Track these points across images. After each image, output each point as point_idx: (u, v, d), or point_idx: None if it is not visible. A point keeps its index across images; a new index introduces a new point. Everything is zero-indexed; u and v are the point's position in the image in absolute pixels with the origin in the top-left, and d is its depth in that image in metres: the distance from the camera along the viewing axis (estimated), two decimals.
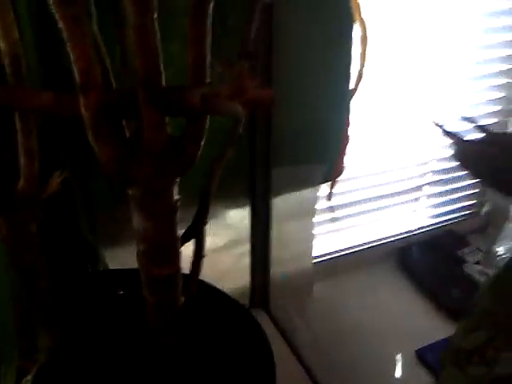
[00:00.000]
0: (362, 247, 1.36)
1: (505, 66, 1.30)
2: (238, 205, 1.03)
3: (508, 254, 1.30)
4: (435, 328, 1.19)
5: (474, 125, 0.77)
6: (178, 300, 0.55)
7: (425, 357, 1.12)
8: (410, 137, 1.27)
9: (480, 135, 0.74)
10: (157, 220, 0.47)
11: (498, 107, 1.36)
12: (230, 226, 1.03)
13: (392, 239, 1.41)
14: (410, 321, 1.22)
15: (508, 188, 0.69)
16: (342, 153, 0.77)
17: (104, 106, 0.37)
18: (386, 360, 1.12)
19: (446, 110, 1.27)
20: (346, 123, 0.74)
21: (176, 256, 0.51)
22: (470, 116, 0.79)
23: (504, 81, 1.33)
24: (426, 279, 1.33)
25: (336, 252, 1.32)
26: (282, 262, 1.11)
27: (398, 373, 1.10)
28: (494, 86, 1.33)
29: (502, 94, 1.35)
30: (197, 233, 0.73)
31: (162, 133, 0.40)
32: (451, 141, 0.75)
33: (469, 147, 0.72)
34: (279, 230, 1.11)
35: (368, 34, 0.66)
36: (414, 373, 1.09)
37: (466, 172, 0.72)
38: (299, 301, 1.21)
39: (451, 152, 0.74)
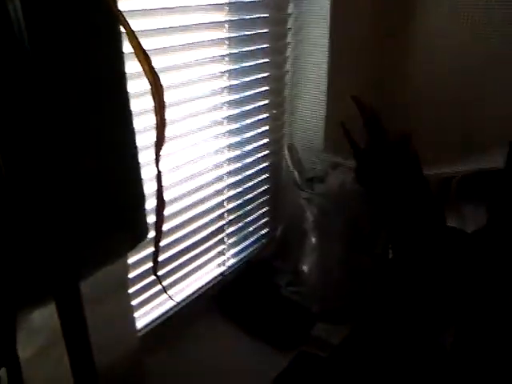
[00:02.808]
0: (182, 304, 1.30)
1: None
2: (40, 301, 0.87)
3: (312, 269, 1.37)
4: (276, 361, 1.19)
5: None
6: None
7: None
8: (198, 182, 1.27)
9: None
10: None
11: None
12: (36, 330, 0.87)
13: (207, 287, 1.38)
14: (251, 363, 1.20)
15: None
16: (160, 219, 0.71)
17: None
18: None
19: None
20: (158, 184, 0.68)
21: None
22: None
23: None
24: (251, 316, 1.33)
25: (160, 317, 1.24)
26: (106, 349, 0.98)
27: None
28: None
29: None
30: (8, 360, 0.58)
31: None
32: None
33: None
34: (94, 315, 0.98)
35: (160, 83, 0.62)
36: None
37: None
38: None
39: None
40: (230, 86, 1.28)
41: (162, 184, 0.69)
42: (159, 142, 0.67)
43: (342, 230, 1.32)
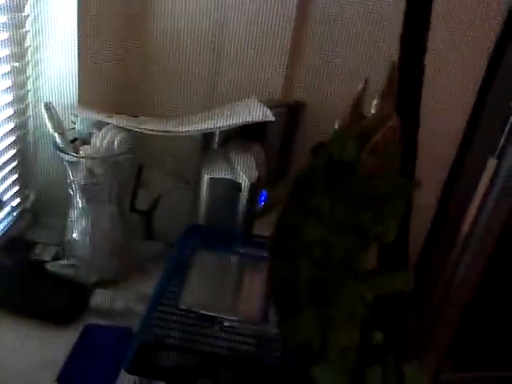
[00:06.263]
0: None
1: None
2: None
3: (82, 237, 1.28)
4: (58, 346, 1.09)
5: None
6: None
7: (66, 380, 1.02)
8: None
9: None
10: None
11: None
12: None
13: None
14: (32, 354, 1.07)
15: None
16: None
17: None
18: None
19: None
20: None
21: None
22: None
23: None
24: (20, 299, 1.18)
25: None
26: None
27: None
28: None
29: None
30: None
31: None
32: None
33: None
34: None
35: None
36: None
37: None
38: None
39: None
40: None
41: None
42: None
43: (111, 192, 1.26)
